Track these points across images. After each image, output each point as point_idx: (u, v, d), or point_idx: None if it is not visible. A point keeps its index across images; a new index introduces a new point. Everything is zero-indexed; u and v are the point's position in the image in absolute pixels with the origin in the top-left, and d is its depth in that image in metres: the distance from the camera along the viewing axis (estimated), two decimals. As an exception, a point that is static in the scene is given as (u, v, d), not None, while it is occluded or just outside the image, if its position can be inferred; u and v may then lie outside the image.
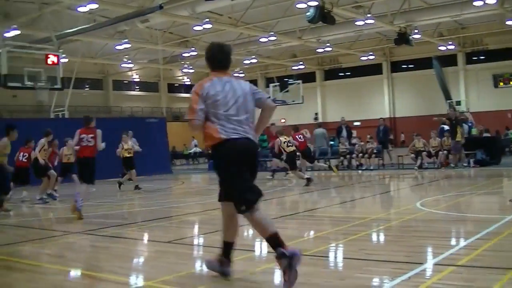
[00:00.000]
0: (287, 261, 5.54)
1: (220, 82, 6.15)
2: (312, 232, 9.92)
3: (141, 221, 12.06)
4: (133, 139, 22.90)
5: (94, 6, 28.99)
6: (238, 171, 6.01)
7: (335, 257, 7.63)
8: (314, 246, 8.10)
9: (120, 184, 21.16)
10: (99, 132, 13.48)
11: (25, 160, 17.45)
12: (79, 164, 13.53)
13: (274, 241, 5.85)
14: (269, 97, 6.53)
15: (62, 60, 23.68)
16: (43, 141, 17.58)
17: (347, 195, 16.73)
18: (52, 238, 10.22)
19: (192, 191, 20.91)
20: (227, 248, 6.49)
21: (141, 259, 8.28)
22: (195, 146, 49.46)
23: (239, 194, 6.05)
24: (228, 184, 6.21)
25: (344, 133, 28.48)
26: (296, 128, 21.60)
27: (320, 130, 28.79)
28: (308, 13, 24.83)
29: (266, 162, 29.08)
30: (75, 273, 7.39)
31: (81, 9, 30.35)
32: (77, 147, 13.33)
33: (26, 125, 21.95)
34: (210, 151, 6.55)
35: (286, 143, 20.25)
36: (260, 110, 6.49)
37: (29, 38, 34.91)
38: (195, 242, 9.52)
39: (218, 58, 6.36)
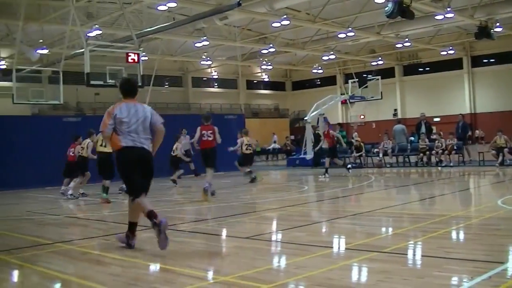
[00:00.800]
0: (158, 227, 7.92)
1: (127, 106, 8.44)
2: (390, 229, 9.81)
3: (220, 216, 12.14)
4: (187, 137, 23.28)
5: (173, 4, 29.40)
6: (130, 171, 8.38)
7: (414, 255, 7.44)
8: (392, 243, 7.99)
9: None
10: (216, 128, 16.16)
11: (72, 155, 18.90)
12: (202, 155, 16.46)
13: (150, 215, 8.09)
14: (162, 122, 8.75)
15: (142, 58, 24.02)
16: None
17: (426, 192, 16.41)
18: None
19: (271, 187, 20.94)
20: (132, 226, 8.66)
21: (219, 255, 8.32)
22: (274, 142, 49.53)
23: (130, 188, 8.54)
24: (124, 179, 8.82)
25: (424, 129, 27.98)
26: (246, 133, 21.60)
27: (399, 127, 28.43)
28: (386, 8, 24.45)
29: (344, 158, 28.92)
30: (154, 267, 7.50)
31: (160, 7, 30.81)
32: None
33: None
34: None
35: (246, 145, 20.83)
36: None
37: (110, 37, 35.74)
38: (274, 238, 9.50)
39: (126, 89, 8.73)
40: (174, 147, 22.35)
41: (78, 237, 10.13)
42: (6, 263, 7.98)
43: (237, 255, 7.91)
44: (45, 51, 38.05)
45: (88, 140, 18.36)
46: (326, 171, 22.62)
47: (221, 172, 27.70)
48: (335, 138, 23.76)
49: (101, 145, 17.12)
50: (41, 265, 7.63)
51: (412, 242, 8.18)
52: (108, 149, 16.05)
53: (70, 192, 18.08)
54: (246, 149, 21.00)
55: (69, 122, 25.38)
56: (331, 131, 23.47)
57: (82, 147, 18.49)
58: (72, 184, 18.43)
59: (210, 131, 16.00)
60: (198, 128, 16.14)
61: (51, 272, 7.21)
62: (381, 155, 27.25)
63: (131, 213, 8.70)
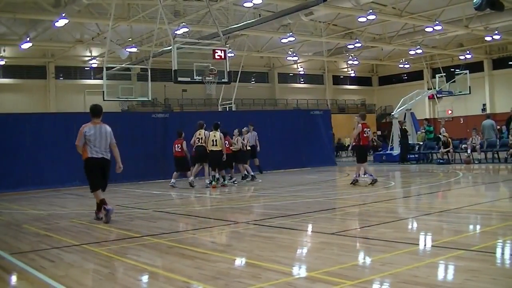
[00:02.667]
0: (106, 211, 11.45)
1: (94, 127, 11.62)
2: (478, 227, 9.59)
3: (306, 212, 12.12)
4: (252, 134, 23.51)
5: (259, 1, 29.59)
6: (92, 174, 11.67)
7: (503, 254, 7.22)
8: (480, 241, 7.82)
9: None
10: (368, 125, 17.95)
11: (179, 150, 20.48)
12: (360, 149, 18.14)
13: (102, 202, 11.59)
14: (114, 142, 11.98)
15: (229, 55, 24.31)
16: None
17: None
18: (219, 227, 10.57)
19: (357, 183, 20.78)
20: (100, 205, 11.70)
21: (305, 250, 8.33)
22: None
23: (90, 185, 11.78)
24: (88, 179, 11.80)
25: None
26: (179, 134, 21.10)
27: (488, 122, 27.71)
28: (475, 0, 23.85)
29: (432, 154, 28.50)
30: (240, 261, 7.56)
31: (246, 4, 31.04)
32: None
33: (196, 117, 22.80)
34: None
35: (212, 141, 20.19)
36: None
37: (197, 35, 36.26)
38: (359, 234, 9.44)
39: (93, 113, 11.83)
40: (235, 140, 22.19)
41: (166, 231, 10.32)
42: (97, 254, 8.24)
43: (323, 250, 7.88)
44: (134, 49, 39.08)
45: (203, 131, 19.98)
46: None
47: (308, 168, 27.76)
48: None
49: (213, 145, 19.28)
50: (130, 258, 7.83)
51: (501, 240, 7.95)
52: (218, 147, 19.17)
53: (191, 178, 20.14)
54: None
55: (158, 118, 25.86)
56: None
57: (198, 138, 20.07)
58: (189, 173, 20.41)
59: (368, 129, 18.02)
60: (359, 125, 17.77)
61: (139, 264, 7.39)
62: (469, 151, 26.61)
63: (98, 198, 11.78)
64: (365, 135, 17.70)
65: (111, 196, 18.48)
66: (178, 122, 25.64)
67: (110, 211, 11.45)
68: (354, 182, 17.87)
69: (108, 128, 11.82)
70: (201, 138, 19.75)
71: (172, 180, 20.67)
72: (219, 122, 19.92)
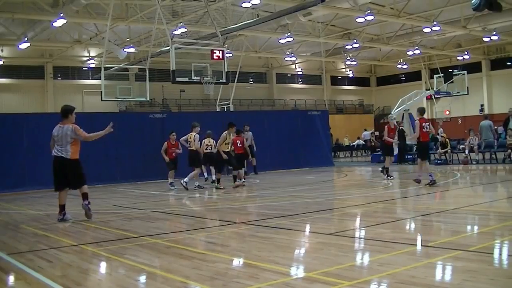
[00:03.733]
0: (86, 206, 11.99)
1: (59, 127, 12.08)
2: (476, 228, 9.60)
3: (304, 212, 12.12)
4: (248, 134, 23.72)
5: (257, 1, 29.57)
6: (54, 172, 12.01)
7: (500, 254, 7.24)
8: (478, 242, 7.82)
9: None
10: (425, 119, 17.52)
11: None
12: (421, 146, 17.45)
13: (60, 207, 12.06)
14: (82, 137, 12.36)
15: (227, 55, 24.24)
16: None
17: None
18: (217, 228, 10.58)
19: (354, 183, 20.81)
20: (62, 208, 12.10)
21: (303, 250, 8.33)
22: (358, 138, 49.18)
23: (54, 183, 12.10)
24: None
25: (511, 125, 27.16)
26: (238, 132, 20.25)
27: (486, 122, 27.72)
28: (473, 1, 23.81)
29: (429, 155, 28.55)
30: (238, 261, 7.56)
31: (244, 4, 31.03)
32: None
33: (194, 118, 22.80)
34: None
35: (207, 146, 20.55)
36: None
37: (195, 35, 36.28)
38: (357, 234, 9.45)
39: (60, 114, 12.33)
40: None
41: (164, 231, 10.33)
42: (95, 255, 8.25)
43: (321, 251, 7.89)
44: (132, 50, 39.06)
45: (194, 134, 19.98)
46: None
47: (305, 168, 27.78)
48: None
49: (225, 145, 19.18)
50: (127, 258, 7.82)
51: (499, 241, 7.97)
52: (227, 148, 19.23)
53: (185, 180, 19.19)
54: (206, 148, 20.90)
55: (156, 119, 25.85)
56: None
57: (189, 141, 20.04)
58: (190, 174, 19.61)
59: (428, 123, 17.36)
60: (417, 122, 17.21)
61: (137, 264, 7.39)
62: (467, 151, 26.64)
63: (61, 199, 12.15)
64: (424, 130, 16.89)
65: (109, 196, 18.57)
66: (176, 122, 25.63)
67: (63, 219, 11.97)
68: (431, 183, 16.28)
69: (69, 128, 12.06)
70: (211, 145, 20.34)
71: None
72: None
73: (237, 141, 19.26)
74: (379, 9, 35.77)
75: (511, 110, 28.48)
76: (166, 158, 19.71)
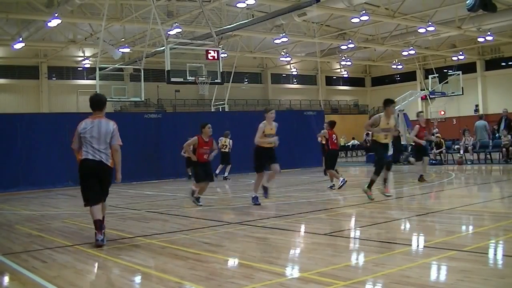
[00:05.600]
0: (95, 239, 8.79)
1: (90, 122, 9.26)
2: (470, 228, 9.61)
3: (299, 212, 12.13)
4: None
5: (252, 1, 29.59)
6: (84, 180, 9.16)
7: (495, 254, 7.26)
8: (472, 242, 7.84)
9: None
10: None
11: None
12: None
13: (96, 225, 8.86)
14: (119, 144, 9.54)
15: (222, 55, 24.29)
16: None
17: (508, 190, 16.00)
18: (212, 228, 10.56)
19: (349, 184, 20.79)
20: (100, 224, 8.97)
21: (298, 251, 8.33)
22: (353, 139, 49.21)
23: (83, 195, 9.23)
24: (81, 186, 9.27)
25: (502, 125, 27.25)
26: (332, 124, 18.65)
27: (481, 123, 27.78)
28: (467, 1, 23.90)
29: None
30: (232, 262, 7.58)
31: (239, 5, 31.03)
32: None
33: (188, 118, 22.83)
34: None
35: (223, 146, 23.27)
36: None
37: (190, 35, 36.27)
38: (352, 235, 9.46)
39: (92, 105, 9.47)
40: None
41: (159, 231, 10.32)
42: (90, 255, 8.23)
43: (316, 251, 7.90)
44: (127, 50, 39.03)
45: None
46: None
47: (301, 168, 27.79)
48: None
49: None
50: (122, 258, 7.82)
51: (493, 241, 7.98)
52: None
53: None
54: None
55: (151, 119, 25.84)
56: None
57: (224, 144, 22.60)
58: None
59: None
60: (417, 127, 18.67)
61: (132, 265, 7.38)
62: (462, 151, 26.69)
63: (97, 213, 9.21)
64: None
65: (103, 197, 18.49)
66: (171, 122, 25.67)
67: (98, 242, 8.80)
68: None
69: (110, 125, 9.41)
70: (226, 146, 23.21)
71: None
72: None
73: (333, 135, 17.85)
74: (374, 10, 35.80)
75: (505, 110, 28.58)
76: (193, 157, 14.54)
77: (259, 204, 13.56)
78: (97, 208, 9.06)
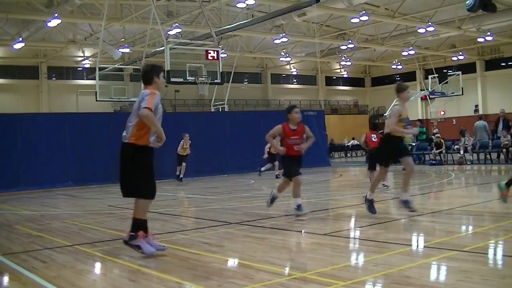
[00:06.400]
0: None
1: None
2: (470, 228, 9.61)
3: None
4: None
5: (252, 1, 29.60)
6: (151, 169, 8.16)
7: (495, 255, 7.27)
8: (472, 242, 7.83)
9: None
10: None
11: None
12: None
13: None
14: (145, 107, 7.44)
15: (221, 55, 24.31)
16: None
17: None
18: (212, 228, 10.56)
19: (349, 184, 20.83)
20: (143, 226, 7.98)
21: (298, 251, 8.35)
22: (353, 139, 49.26)
23: (150, 190, 8.46)
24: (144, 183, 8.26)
25: (501, 125, 27.26)
26: (374, 126, 18.82)
27: (481, 123, 27.80)
28: (467, 1, 23.87)
29: (424, 155, 28.65)
30: (232, 262, 7.58)
31: (239, 5, 31.04)
32: None
33: (188, 118, 22.85)
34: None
35: None
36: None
37: (190, 35, 36.27)
38: (352, 235, 9.47)
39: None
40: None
41: (159, 231, 10.29)
42: (90, 255, 8.24)
43: (315, 251, 7.90)
44: (126, 50, 39.04)
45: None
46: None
47: (301, 168, 27.74)
48: None
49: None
50: (122, 258, 7.82)
51: (493, 241, 7.97)
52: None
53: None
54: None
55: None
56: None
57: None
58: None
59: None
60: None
61: (132, 265, 7.39)
62: (462, 152, 26.70)
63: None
64: None
65: (103, 197, 18.56)
66: (172, 122, 25.64)
67: (160, 247, 8.07)
68: None
69: (144, 91, 7.81)
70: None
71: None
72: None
73: (372, 135, 17.01)
74: (373, 10, 35.81)
75: (503, 111, 28.58)
76: (281, 149, 11.82)
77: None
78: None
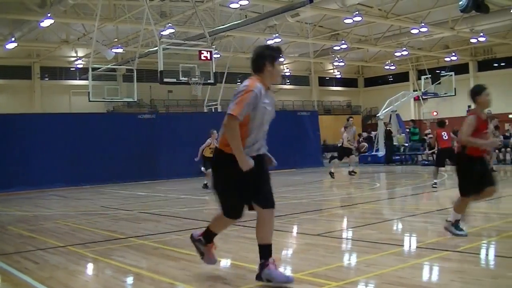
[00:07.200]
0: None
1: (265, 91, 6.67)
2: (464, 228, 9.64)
3: (291, 213, 12.11)
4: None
5: (245, 2, 29.55)
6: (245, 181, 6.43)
7: (487, 255, 7.31)
8: (465, 243, 7.85)
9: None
10: None
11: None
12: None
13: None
14: (229, 112, 6.00)
15: (215, 56, 24.28)
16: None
17: (501, 190, 16.00)
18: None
19: (342, 184, 20.85)
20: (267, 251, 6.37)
21: (290, 251, 8.33)
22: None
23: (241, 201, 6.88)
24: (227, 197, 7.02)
25: (491, 127, 27.27)
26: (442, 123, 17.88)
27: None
28: (460, 2, 23.93)
29: (417, 156, 28.73)
30: (225, 263, 7.58)
31: (233, 5, 31.00)
32: None
33: (181, 118, 22.81)
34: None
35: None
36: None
37: (183, 36, 36.24)
38: (345, 235, 9.48)
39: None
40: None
41: (151, 232, 10.29)
42: (82, 256, 8.21)
43: (308, 252, 7.90)
44: (119, 50, 38.93)
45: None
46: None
47: (294, 169, 27.79)
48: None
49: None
50: (115, 259, 7.80)
51: (485, 241, 8.01)
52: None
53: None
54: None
55: (145, 119, 25.79)
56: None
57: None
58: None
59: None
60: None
61: (124, 266, 7.37)
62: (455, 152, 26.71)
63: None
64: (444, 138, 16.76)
65: (96, 197, 18.52)
66: (166, 123, 25.67)
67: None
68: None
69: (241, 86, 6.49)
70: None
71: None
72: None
73: (443, 133, 16.91)
74: (367, 10, 35.83)
75: (489, 112, 28.56)
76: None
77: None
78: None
